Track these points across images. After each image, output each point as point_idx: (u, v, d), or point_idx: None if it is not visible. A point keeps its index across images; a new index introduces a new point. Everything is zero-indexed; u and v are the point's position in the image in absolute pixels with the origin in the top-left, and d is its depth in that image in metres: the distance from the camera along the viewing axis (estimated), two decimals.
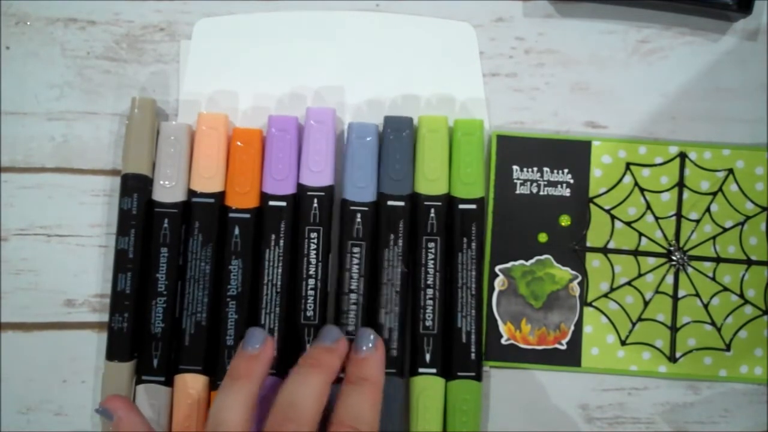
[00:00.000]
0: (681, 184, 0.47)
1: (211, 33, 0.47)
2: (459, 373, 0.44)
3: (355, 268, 0.44)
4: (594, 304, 0.46)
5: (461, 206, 0.45)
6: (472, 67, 0.47)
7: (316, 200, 0.44)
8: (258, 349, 0.41)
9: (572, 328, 0.46)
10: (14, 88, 0.47)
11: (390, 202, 0.45)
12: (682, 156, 0.47)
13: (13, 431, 0.46)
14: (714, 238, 0.47)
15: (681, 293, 0.47)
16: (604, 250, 0.47)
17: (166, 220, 0.44)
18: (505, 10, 0.48)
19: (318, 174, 0.44)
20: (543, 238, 0.46)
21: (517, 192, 0.47)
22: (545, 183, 0.47)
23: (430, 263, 0.44)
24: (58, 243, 0.46)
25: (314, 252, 0.44)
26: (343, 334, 0.43)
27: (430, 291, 0.44)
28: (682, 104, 0.48)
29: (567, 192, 0.47)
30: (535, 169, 0.47)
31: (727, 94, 0.48)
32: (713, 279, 0.47)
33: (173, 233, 0.44)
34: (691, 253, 0.47)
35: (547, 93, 0.48)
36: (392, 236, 0.44)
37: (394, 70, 0.47)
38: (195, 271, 0.44)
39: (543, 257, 0.46)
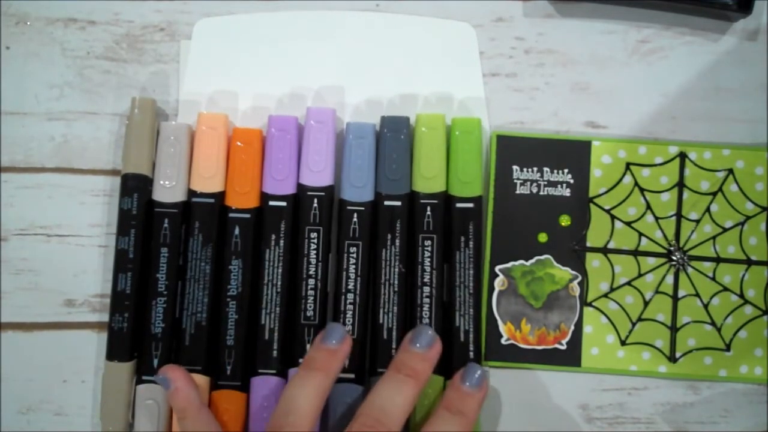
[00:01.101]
0: (681, 184, 0.47)
1: (211, 33, 0.47)
2: None
3: (352, 268, 0.44)
4: (594, 304, 0.46)
5: (459, 205, 0.45)
6: (472, 67, 0.47)
7: (316, 200, 0.44)
8: (337, 345, 0.42)
9: (572, 328, 0.46)
10: (14, 88, 0.47)
11: (387, 202, 0.45)
12: (682, 156, 0.47)
13: (13, 431, 0.46)
14: (714, 238, 0.47)
15: (681, 293, 0.47)
16: (604, 250, 0.47)
17: (166, 220, 0.44)
18: (505, 10, 0.48)
19: (318, 174, 0.44)
20: (543, 238, 0.46)
21: (517, 192, 0.47)
22: (545, 183, 0.47)
23: (427, 261, 0.44)
24: (58, 243, 0.46)
25: (314, 252, 0.44)
26: (433, 336, 0.43)
27: (426, 289, 0.44)
28: (682, 104, 0.48)
29: (567, 192, 0.47)
30: (535, 169, 0.47)
31: (727, 94, 0.48)
32: (713, 279, 0.47)
33: (173, 233, 0.44)
34: (691, 253, 0.47)
35: (547, 93, 0.48)
36: (390, 236, 0.44)
37: (394, 71, 0.47)
38: (195, 271, 0.44)
39: (543, 257, 0.46)
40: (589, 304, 0.46)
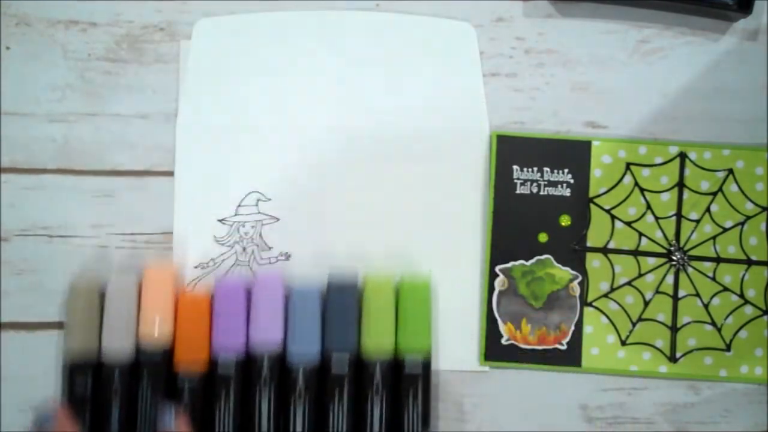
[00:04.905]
0: (681, 184, 0.47)
1: (211, 33, 0.47)
2: None
3: (299, 425, 0.44)
4: (594, 304, 0.46)
5: (408, 361, 0.44)
6: (471, 67, 0.47)
7: (266, 359, 0.44)
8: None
9: (572, 328, 0.46)
10: (16, 89, 0.47)
11: (335, 360, 0.44)
12: (682, 156, 0.47)
13: (13, 431, 0.46)
14: (714, 238, 0.47)
15: (681, 293, 0.47)
16: (604, 250, 0.47)
17: (116, 373, 0.43)
18: (505, 10, 0.48)
19: (267, 333, 0.44)
20: (543, 238, 0.46)
21: (517, 192, 0.47)
22: (545, 183, 0.47)
23: (376, 422, 0.44)
24: (59, 243, 0.47)
25: (266, 410, 0.44)
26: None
27: None
28: (682, 104, 0.48)
29: (567, 192, 0.47)
30: (535, 169, 0.47)
31: (727, 94, 0.48)
32: (713, 279, 0.47)
33: (123, 389, 0.43)
34: (691, 253, 0.47)
35: (547, 93, 0.48)
36: (337, 393, 0.44)
37: (394, 70, 0.47)
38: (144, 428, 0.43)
39: (543, 257, 0.46)
40: (590, 304, 0.46)
